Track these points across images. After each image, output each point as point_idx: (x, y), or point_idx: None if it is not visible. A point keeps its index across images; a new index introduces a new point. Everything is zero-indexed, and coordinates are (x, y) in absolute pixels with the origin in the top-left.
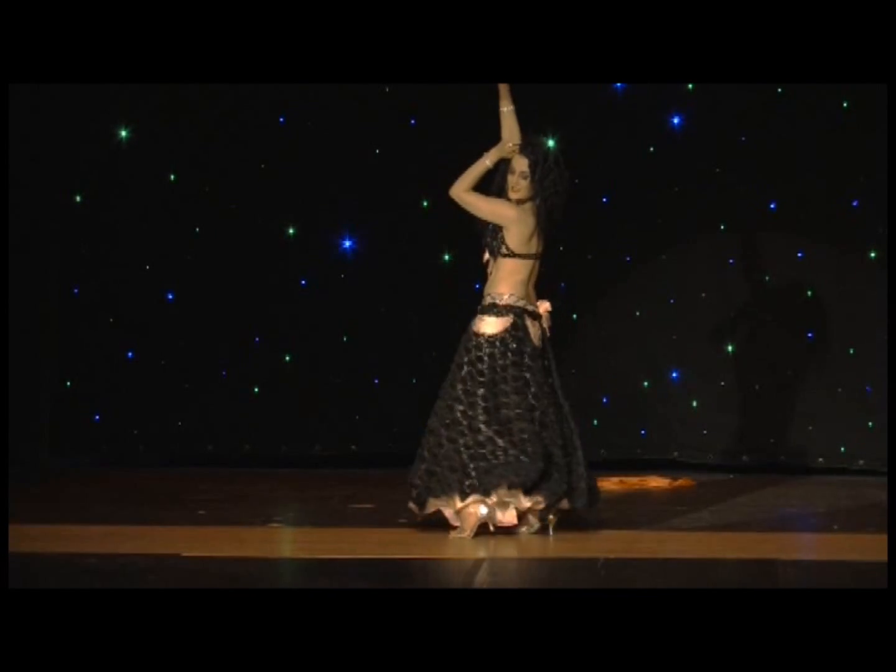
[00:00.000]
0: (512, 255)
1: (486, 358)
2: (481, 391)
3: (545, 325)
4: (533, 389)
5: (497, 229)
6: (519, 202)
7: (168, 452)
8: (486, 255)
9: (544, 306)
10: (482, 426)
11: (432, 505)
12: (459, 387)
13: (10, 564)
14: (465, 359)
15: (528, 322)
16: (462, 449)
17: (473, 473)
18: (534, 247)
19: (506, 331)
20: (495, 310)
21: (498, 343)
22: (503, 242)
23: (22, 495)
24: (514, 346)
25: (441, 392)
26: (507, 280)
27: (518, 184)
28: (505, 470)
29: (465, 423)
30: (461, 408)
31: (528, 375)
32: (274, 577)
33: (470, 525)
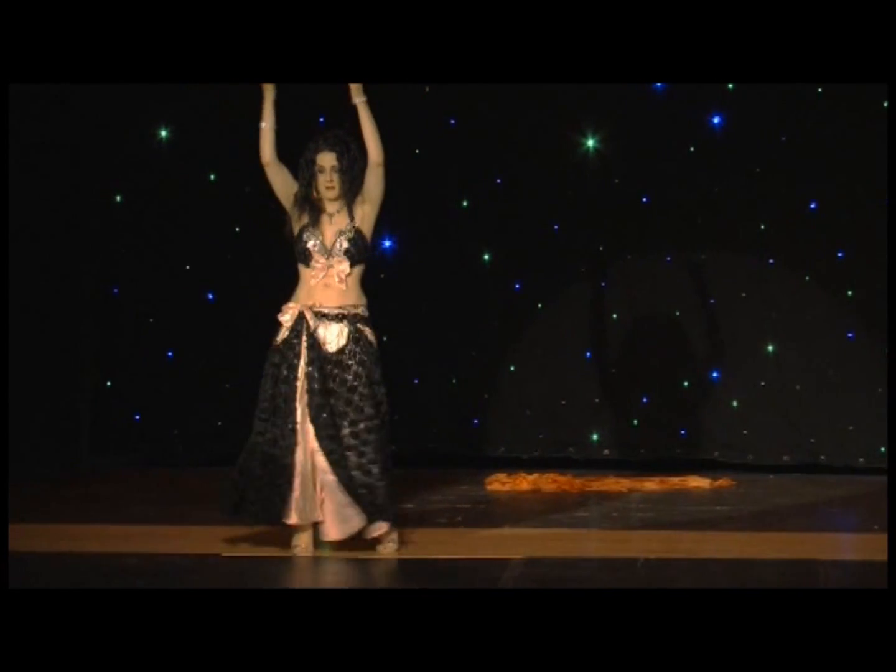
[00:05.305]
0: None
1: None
2: None
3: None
4: None
5: (362, 235)
6: (337, 199)
7: (208, 452)
8: (346, 267)
9: None
10: None
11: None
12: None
13: (52, 564)
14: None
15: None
16: None
17: None
18: None
19: None
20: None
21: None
22: (367, 247)
23: (62, 495)
24: None
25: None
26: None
27: (332, 179)
28: None
29: None
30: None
31: None
32: (313, 576)
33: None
